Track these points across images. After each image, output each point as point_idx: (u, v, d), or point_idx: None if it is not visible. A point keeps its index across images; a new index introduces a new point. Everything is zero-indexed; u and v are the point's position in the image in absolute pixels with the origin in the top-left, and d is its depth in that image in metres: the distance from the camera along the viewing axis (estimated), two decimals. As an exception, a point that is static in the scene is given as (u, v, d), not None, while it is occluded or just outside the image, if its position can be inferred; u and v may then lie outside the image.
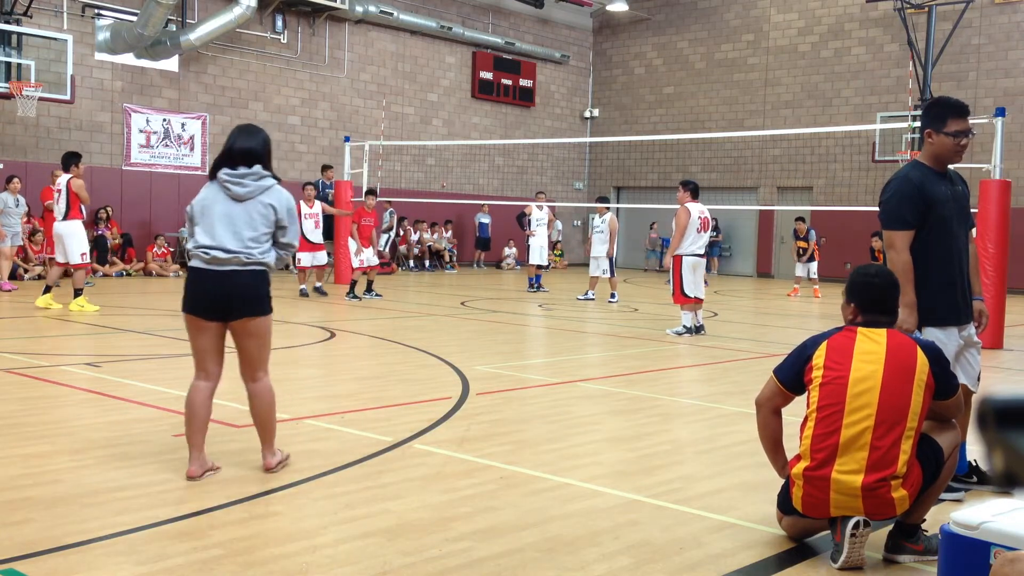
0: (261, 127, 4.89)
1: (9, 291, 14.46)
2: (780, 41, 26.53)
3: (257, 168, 4.63)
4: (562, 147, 29.50)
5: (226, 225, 4.53)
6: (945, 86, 23.17)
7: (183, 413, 4.76)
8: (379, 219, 15.60)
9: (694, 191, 11.54)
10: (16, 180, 15.54)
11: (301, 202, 15.29)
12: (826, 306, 17.07)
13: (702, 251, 11.52)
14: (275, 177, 4.73)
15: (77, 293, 11.99)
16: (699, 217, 11.42)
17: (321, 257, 15.56)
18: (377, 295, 15.37)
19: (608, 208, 16.85)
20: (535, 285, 17.82)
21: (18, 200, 15.57)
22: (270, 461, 4.73)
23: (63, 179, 12.02)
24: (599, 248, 16.19)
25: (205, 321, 4.56)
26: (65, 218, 12.00)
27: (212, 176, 4.69)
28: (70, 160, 12.04)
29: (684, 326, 11.44)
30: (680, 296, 11.36)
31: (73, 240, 12.03)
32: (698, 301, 11.44)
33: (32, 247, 17.43)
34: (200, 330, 4.58)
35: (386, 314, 13.14)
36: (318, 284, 15.43)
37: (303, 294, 15.18)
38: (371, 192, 15.50)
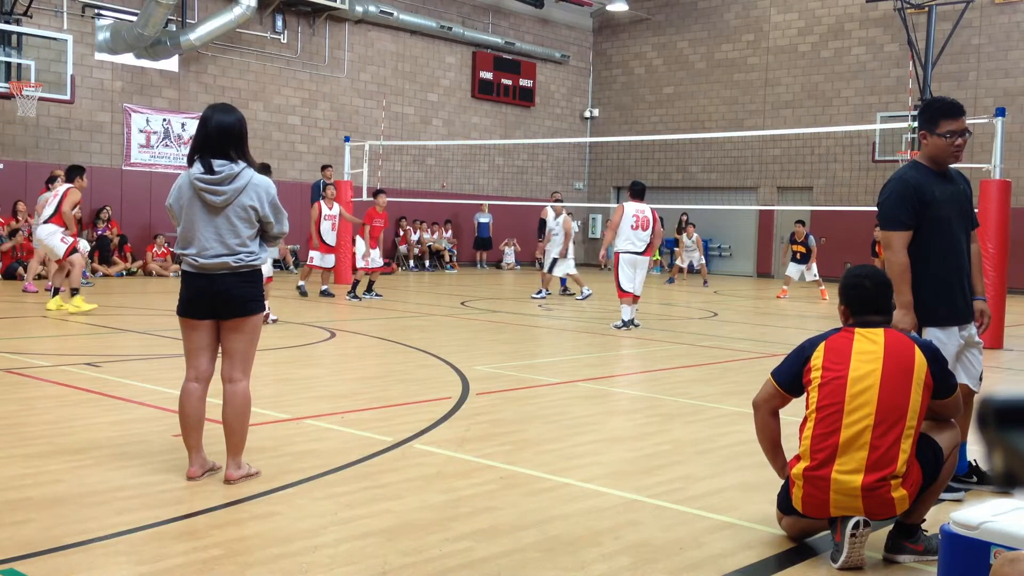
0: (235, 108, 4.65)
1: (35, 292, 14.32)
2: (780, 41, 26.53)
3: (230, 167, 4.43)
4: (562, 147, 29.49)
5: (211, 233, 4.45)
6: (945, 86, 23.17)
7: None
8: (387, 222, 15.51)
9: (637, 192, 12.17)
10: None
11: (322, 203, 15.27)
12: (826, 306, 17.08)
13: (639, 249, 11.99)
14: (250, 162, 4.52)
15: (74, 292, 11.75)
16: (633, 215, 11.96)
17: (331, 259, 15.56)
18: (377, 295, 15.37)
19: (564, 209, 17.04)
20: (562, 288, 17.70)
21: None
22: (232, 473, 4.50)
23: (63, 188, 12.00)
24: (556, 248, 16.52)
25: (198, 320, 4.56)
26: (47, 221, 11.96)
27: (190, 163, 4.51)
28: (74, 173, 12.14)
29: (623, 319, 12.00)
30: (619, 290, 11.99)
31: (55, 238, 11.93)
32: (635, 297, 12.00)
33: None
34: (193, 329, 4.57)
35: (386, 314, 13.14)
36: (324, 287, 15.42)
37: (301, 292, 15.17)
38: (380, 192, 15.43)
